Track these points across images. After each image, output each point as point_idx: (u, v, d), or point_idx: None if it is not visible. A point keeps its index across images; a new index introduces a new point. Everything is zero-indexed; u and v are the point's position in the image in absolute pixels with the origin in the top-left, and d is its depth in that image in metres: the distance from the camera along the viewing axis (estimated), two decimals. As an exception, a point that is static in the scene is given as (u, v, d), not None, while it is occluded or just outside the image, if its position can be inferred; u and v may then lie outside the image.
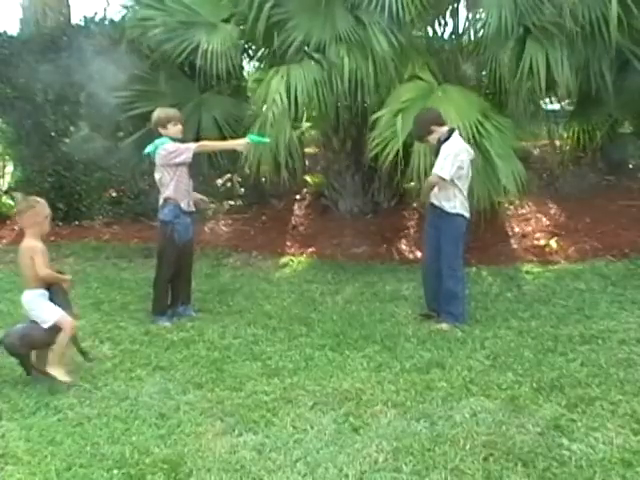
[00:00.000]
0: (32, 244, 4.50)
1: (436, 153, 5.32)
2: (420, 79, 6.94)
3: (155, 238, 8.35)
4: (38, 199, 4.64)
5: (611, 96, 6.77)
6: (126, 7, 8.25)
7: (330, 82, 6.83)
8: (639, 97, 7.12)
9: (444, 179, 5.17)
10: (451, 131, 5.35)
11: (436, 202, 5.35)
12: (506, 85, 6.71)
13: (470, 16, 7.22)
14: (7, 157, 9.93)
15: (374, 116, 6.78)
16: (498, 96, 6.97)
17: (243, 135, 6.18)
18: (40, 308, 4.43)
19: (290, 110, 6.68)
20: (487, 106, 6.74)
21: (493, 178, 6.31)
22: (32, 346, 4.43)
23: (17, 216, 4.62)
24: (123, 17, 8.56)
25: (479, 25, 7.04)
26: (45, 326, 4.36)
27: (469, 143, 5.78)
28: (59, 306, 4.43)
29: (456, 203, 5.27)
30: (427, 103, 6.50)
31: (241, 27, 7.36)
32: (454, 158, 5.19)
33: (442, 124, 5.38)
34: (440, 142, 5.28)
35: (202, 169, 8.07)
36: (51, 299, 4.45)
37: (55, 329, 4.36)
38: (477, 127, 6.32)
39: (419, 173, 6.26)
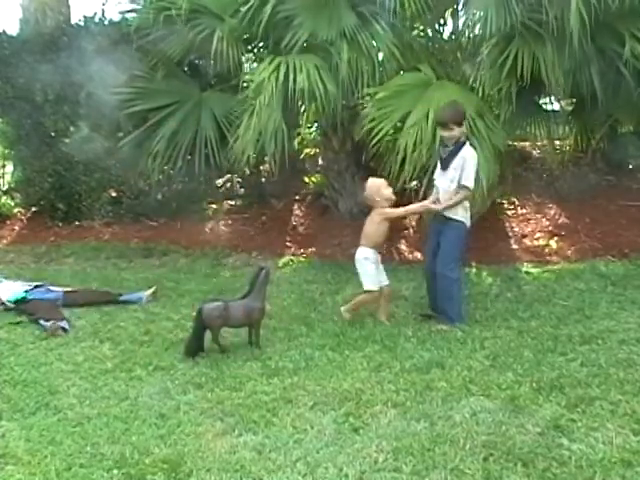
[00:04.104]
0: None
1: (449, 155, 5.25)
2: (419, 71, 7.00)
3: (155, 238, 8.45)
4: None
5: (601, 98, 6.77)
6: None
7: (329, 75, 6.85)
8: (635, 98, 7.11)
9: (470, 189, 5.23)
10: (467, 138, 5.37)
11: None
12: (493, 82, 6.76)
13: (465, 16, 7.25)
14: (7, 157, 9.94)
15: (367, 90, 6.80)
16: (495, 95, 6.98)
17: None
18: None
19: (287, 101, 6.68)
20: (482, 105, 6.76)
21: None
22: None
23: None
24: (124, 17, 8.58)
25: (471, 25, 7.07)
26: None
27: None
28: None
29: (459, 210, 5.28)
30: (425, 91, 6.57)
31: (245, 23, 7.36)
32: (474, 167, 5.23)
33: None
34: (456, 145, 5.24)
35: (202, 169, 8.09)
36: None
37: None
38: (470, 124, 6.35)
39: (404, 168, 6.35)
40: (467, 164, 5.18)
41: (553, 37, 6.43)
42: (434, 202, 5.39)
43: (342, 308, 5.53)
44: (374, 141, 6.61)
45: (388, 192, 5.41)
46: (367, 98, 6.91)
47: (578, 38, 6.19)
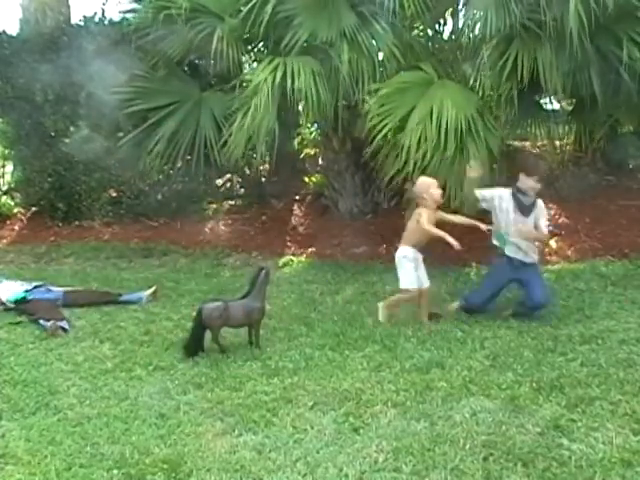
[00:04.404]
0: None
1: (531, 205, 5.40)
2: (421, 70, 7.03)
3: (155, 238, 8.46)
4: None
5: (600, 98, 6.79)
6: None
7: (328, 76, 6.87)
8: (635, 99, 7.12)
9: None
10: None
11: (521, 256, 5.39)
12: (494, 85, 6.80)
13: (465, 16, 7.26)
14: (7, 157, 9.94)
15: (370, 87, 6.83)
16: (495, 97, 7.00)
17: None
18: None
19: (285, 102, 6.69)
20: (482, 106, 6.78)
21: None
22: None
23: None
24: (124, 15, 8.58)
25: (471, 25, 7.09)
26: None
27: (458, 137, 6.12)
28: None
29: (534, 253, 5.46)
30: (427, 90, 6.64)
31: (245, 22, 7.36)
32: None
33: None
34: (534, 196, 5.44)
35: (202, 169, 8.09)
36: None
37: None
38: (470, 123, 6.39)
39: (406, 166, 6.38)
40: (544, 213, 5.50)
41: (552, 38, 6.45)
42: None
43: (379, 304, 5.52)
44: (377, 139, 6.62)
45: (437, 193, 5.37)
46: (369, 95, 6.91)
47: (578, 39, 6.20)
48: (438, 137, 6.33)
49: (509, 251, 5.40)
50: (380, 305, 5.50)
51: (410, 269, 5.39)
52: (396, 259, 5.50)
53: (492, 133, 6.62)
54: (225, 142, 7.18)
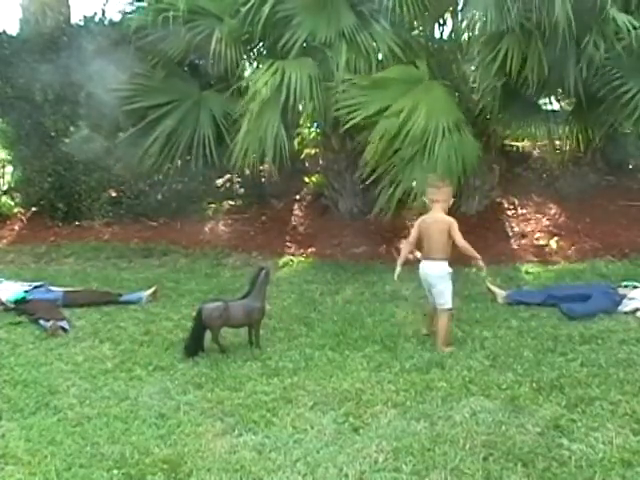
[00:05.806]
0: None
1: None
2: (416, 67, 7.04)
3: (155, 238, 8.45)
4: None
5: (583, 99, 6.83)
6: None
7: (320, 87, 6.90)
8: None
9: None
10: None
11: None
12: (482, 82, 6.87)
13: (465, 16, 7.27)
14: (7, 157, 9.93)
15: (345, 76, 6.86)
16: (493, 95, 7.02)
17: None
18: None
19: (287, 104, 6.73)
20: (461, 118, 6.81)
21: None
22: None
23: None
24: (124, 16, 8.56)
25: (471, 25, 7.10)
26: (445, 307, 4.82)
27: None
28: None
29: None
30: (409, 91, 6.74)
31: (244, 23, 7.37)
32: None
33: None
34: None
35: (201, 169, 8.08)
36: None
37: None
38: (444, 132, 6.48)
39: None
40: None
41: (545, 37, 6.46)
42: None
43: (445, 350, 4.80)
44: (343, 128, 6.81)
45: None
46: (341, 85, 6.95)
47: (563, 38, 6.23)
48: (402, 143, 6.48)
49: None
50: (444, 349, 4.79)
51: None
52: (440, 274, 4.90)
53: (466, 147, 6.63)
54: (229, 148, 7.18)
